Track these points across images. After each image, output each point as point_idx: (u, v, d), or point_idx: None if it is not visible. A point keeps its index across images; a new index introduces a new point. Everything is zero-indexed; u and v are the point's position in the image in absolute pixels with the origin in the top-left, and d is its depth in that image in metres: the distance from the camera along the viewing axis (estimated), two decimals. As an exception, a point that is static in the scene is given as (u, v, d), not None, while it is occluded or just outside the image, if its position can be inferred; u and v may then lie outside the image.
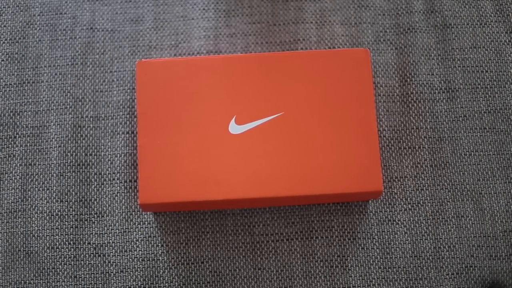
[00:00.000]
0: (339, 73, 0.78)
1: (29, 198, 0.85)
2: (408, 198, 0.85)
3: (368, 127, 0.76)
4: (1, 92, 0.89)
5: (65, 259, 0.83)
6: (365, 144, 0.76)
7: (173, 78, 0.78)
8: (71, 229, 0.84)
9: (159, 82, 0.78)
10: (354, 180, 0.75)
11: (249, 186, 0.75)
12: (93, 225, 0.84)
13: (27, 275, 0.83)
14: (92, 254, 0.83)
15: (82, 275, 0.83)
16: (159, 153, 0.76)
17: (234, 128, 0.77)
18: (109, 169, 0.86)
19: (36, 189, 0.85)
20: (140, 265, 0.83)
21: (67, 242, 0.84)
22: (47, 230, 0.84)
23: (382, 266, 0.83)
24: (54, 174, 0.86)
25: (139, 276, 0.83)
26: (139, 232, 0.84)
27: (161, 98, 0.78)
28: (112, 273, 0.83)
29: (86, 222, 0.84)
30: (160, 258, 0.83)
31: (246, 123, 0.77)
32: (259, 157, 0.76)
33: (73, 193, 0.85)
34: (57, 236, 0.84)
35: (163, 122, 0.77)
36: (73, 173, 0.86)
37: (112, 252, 0.83)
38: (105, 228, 0.84)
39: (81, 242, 0.84)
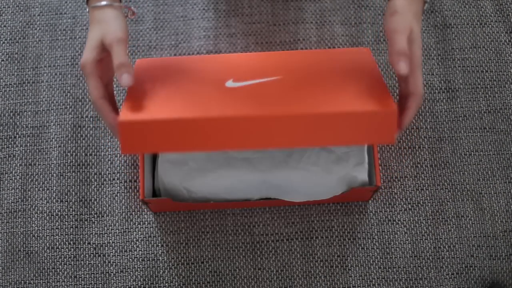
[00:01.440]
0: (342, 65, 0.74)
1: (29, 198, 0.85)
2: (408, 198, 0.85)
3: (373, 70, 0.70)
4: (1, 92, 0.89)
5: (65, 259, 0.83)
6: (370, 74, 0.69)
7: (169, 70, 0.75)
8: (71, 229, 0.84)
9: (155, 76, 0.74)
10: (364, 101, 0.64)
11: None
12: (93, 225, 0.84)
13: (27, 275, 0.83)
14: (92, 254, 0.83)
15: (82, 275, 0.83)
16: (148, 95, 0.68)
17: (231, 84, 0.70)
18: (109, 169, 0.86)
19: (36, 189, 0.85)
20: (140, 265, 0.83)
21: (67, 242, 0.84)
22: (47, 230, 0.84)
23: (382, 266, 0.83)
24: (54, 174, 0.86)
25: (139, 276, 0.83)
26: (139, 232, 0.84)
27: (154, 75, 0.72)
28: (112, 273, 0.83)
29: (86, 222, 0.84)
30: (160, 258, 0.83)
31: (245, 81, 0.71)
32: (255, 107, 0.66)
33: (73, 193, 0.85)
34: (57, 236, 0.84)
35: (154, 71, 0.72)
36: (73, 173, 0.86)
37: (112, 252, 0.83)
38: (105, 228, 0.84)
39: (81, 242, 0.84)
